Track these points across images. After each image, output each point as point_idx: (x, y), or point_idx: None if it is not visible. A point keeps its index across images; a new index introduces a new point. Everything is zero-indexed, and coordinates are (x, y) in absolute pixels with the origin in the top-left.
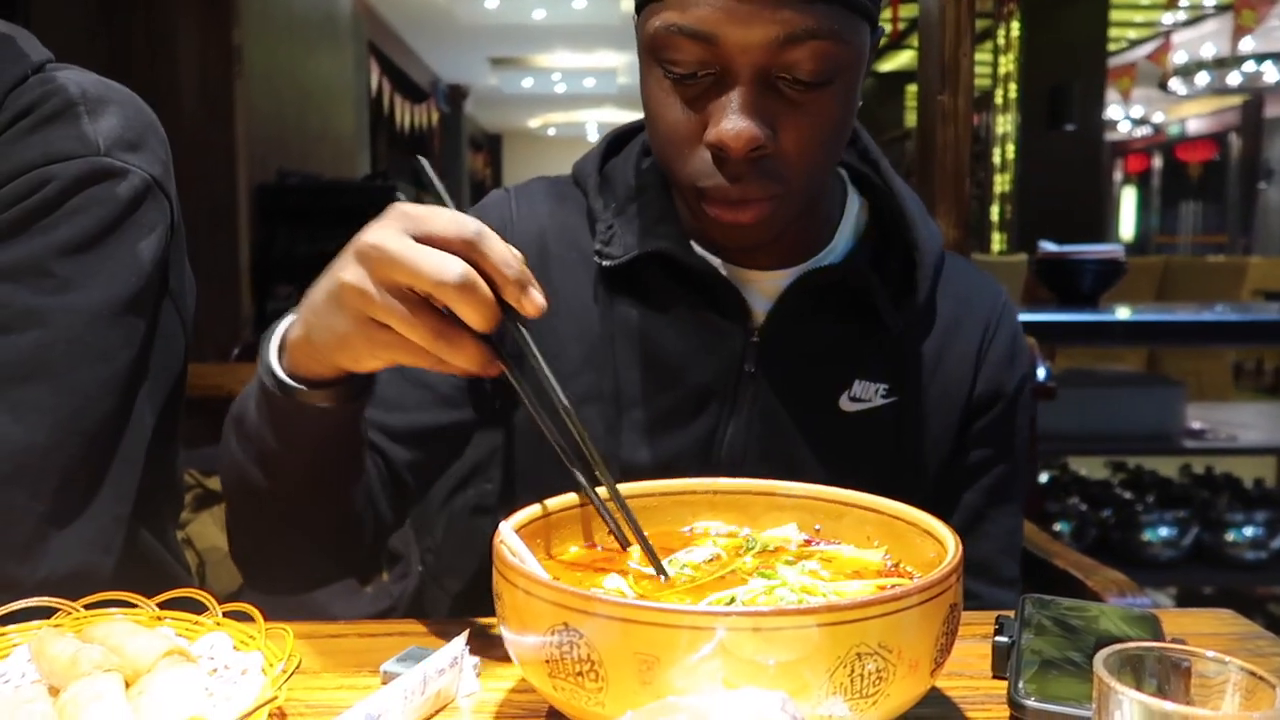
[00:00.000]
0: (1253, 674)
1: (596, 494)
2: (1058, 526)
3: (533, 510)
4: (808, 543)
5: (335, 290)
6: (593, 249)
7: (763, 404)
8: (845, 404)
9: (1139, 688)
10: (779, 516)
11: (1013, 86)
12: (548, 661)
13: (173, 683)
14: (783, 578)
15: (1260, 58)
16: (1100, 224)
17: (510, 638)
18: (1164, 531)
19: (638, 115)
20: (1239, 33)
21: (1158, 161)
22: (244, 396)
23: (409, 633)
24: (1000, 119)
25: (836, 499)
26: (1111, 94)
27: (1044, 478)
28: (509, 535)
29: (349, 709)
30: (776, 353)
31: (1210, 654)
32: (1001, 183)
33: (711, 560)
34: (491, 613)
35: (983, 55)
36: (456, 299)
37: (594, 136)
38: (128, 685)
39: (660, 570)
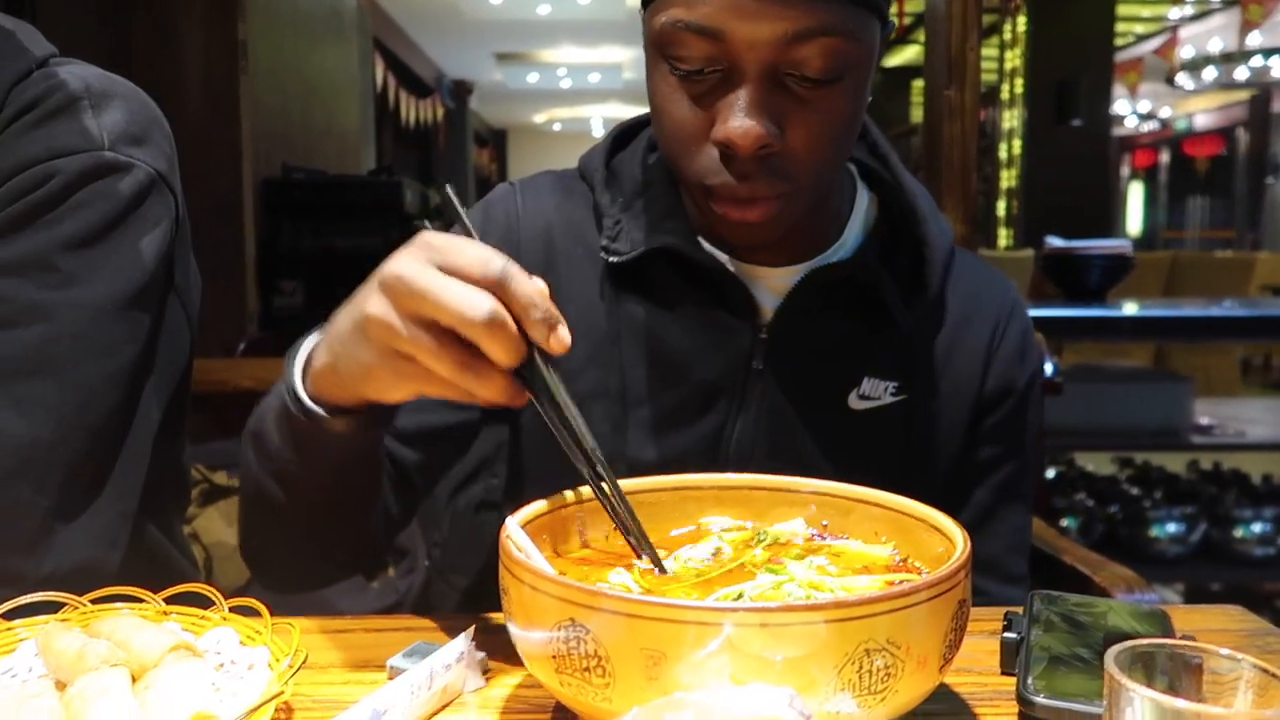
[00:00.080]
0: (1265, 671)
1: (603, 490)
2: (1065, 522)
3: (539, 505)
4: (815, 538)
5: (360, 322)
6: (599, 245)
7: (771, 402)
8: (854, 402)
9: (1150, 685)
10: (786, 511)
11: (1019, 81)
12: (554, 657)
13: (179, 677)
14: (791, 573)
15: (1268, 52)
16: (1107, 219)
17: (517, 633)
18: (1171, 527)
19: (643, 110)
20: (1246, 27)
21: (1165, 157)
22: (262, 411)
23: (415, 628)
24: (1007, 114)
25: (844, 494)
26: (1118, 89)
27: (1051, 473)
28: (515, 530)
29: (355, 704)
30: (785, 350)
31: (1223, 651)
32: (1008, 178)
33: (714, 555)
34: (498, 608)
35: (989, 50)
36: (485, 336)
37: (599, 132)
38: (134, 680)
39: (659, 567)
